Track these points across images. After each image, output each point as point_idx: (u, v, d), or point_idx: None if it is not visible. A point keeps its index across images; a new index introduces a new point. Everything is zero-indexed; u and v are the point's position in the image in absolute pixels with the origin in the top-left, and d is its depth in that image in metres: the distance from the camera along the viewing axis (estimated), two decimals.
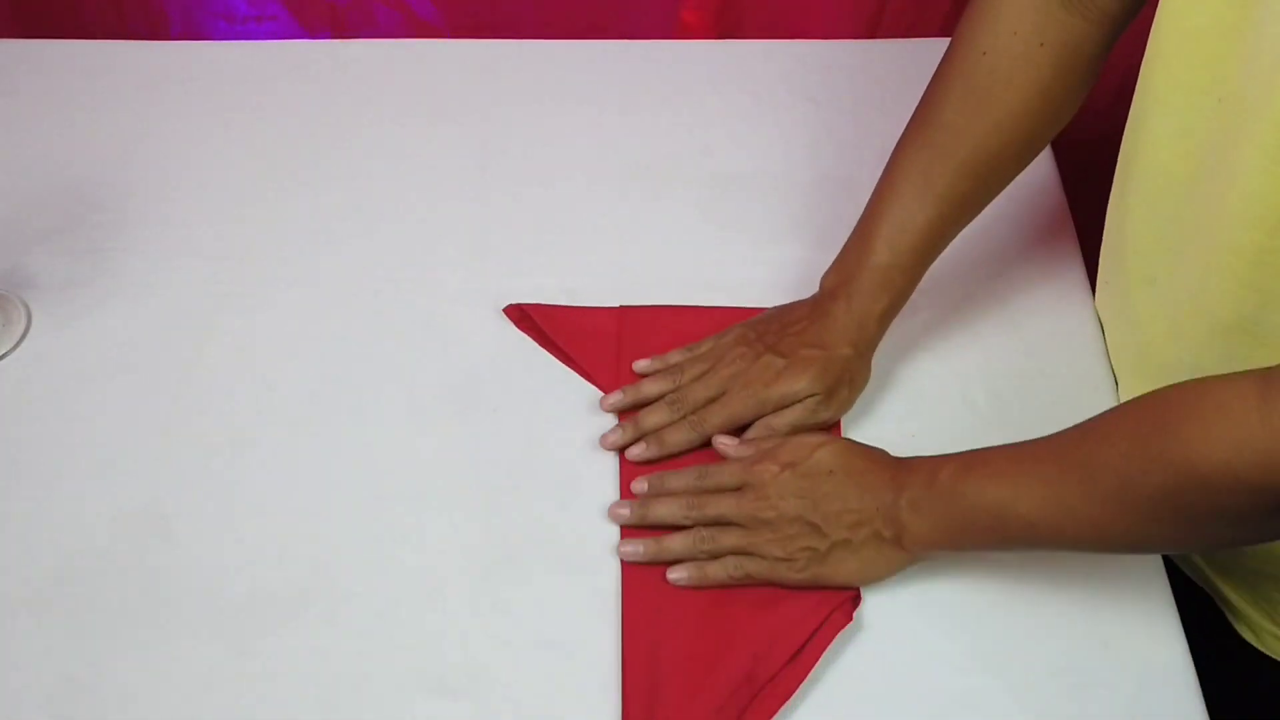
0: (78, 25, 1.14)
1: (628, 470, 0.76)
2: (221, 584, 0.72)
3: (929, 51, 0.92)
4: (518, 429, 0.79)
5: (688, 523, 0.71)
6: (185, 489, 0.76)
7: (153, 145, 0.96)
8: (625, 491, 0.75)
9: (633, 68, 1.01)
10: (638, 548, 0.72)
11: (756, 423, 0.76)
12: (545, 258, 0.88)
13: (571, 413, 0.80)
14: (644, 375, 0.80)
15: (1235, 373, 0.55)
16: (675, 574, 0.71)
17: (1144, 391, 0.61)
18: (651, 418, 0.77)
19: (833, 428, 0.77)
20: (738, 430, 0.76)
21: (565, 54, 1.03)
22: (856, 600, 0.70)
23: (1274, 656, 0.76)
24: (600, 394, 0.80)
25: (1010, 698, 0.67)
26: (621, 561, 0.72)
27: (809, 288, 0.80)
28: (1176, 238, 0.68)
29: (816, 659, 0.68)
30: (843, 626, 0.69)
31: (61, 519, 0.75)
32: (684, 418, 0.76)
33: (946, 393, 0.80)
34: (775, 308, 0.81)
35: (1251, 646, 0.77)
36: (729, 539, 0.70)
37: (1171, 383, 0.59)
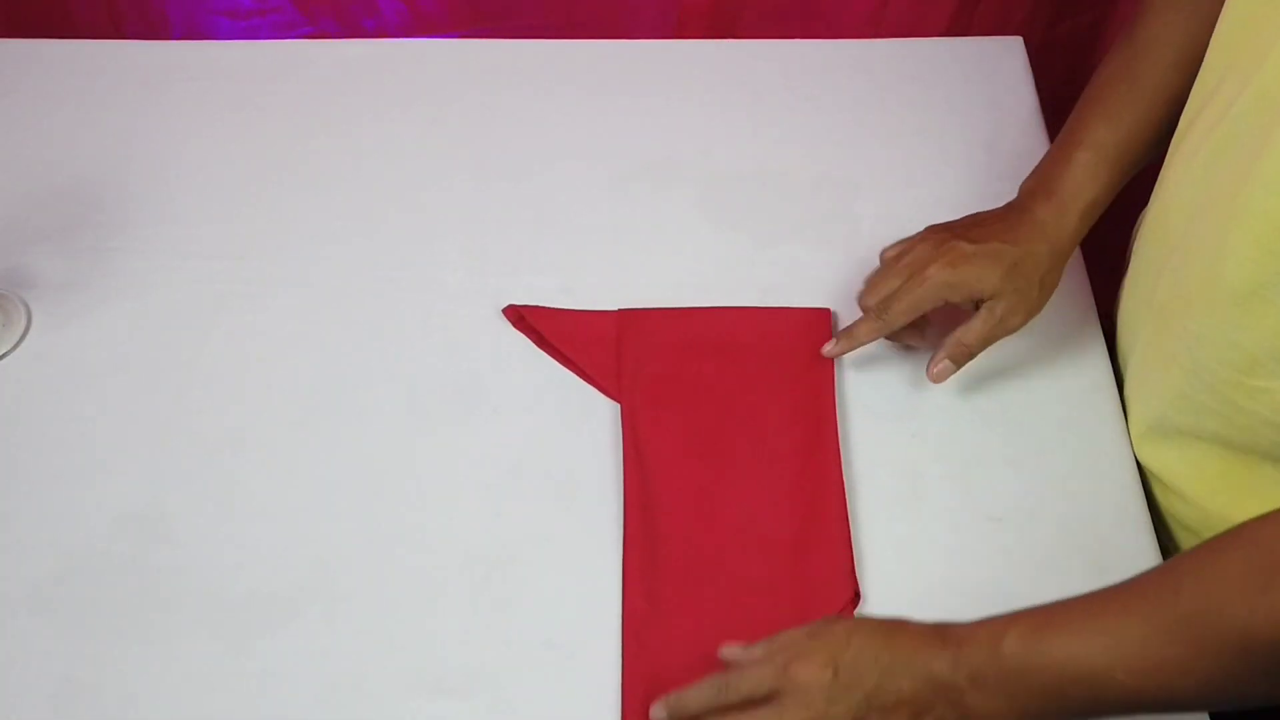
0: (78, 24, 1.14)
1: (628, 469, 0.76)
2: (221, 584, 0.72)
3: (929, 51, 0.93)
4: (518, 429, 0.79)
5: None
6: (185, 488, 0.76)
7: (152, 145, 0.95)
8: (626, 491, 0.75)
9: (633, 68, 1.01)
10: None
11: (947, 342, 0.74)
12: (545, 257, 0.88)
13: (571, 413, 0.80)
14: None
15: None
16: None
17: (1159, 363, 0.58)
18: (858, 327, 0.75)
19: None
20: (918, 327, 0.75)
21: (565, 54, 1.03)
22: (856, 601, 0.70)
23: None
24: (599, 394, 0.80)
25: None
26: (621, 561, 0.72)
27: (809, 287, 0.80)
28: (1203, 204, 0.66)
29: None
30: None
31: (61, 518, 0.75)
32: (873, 312, 0.74)
33: (946, 393, 0.80)
34: (970, 215, 0.77)
35: None
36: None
37: (1179, 350, 0.56)
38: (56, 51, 1.02)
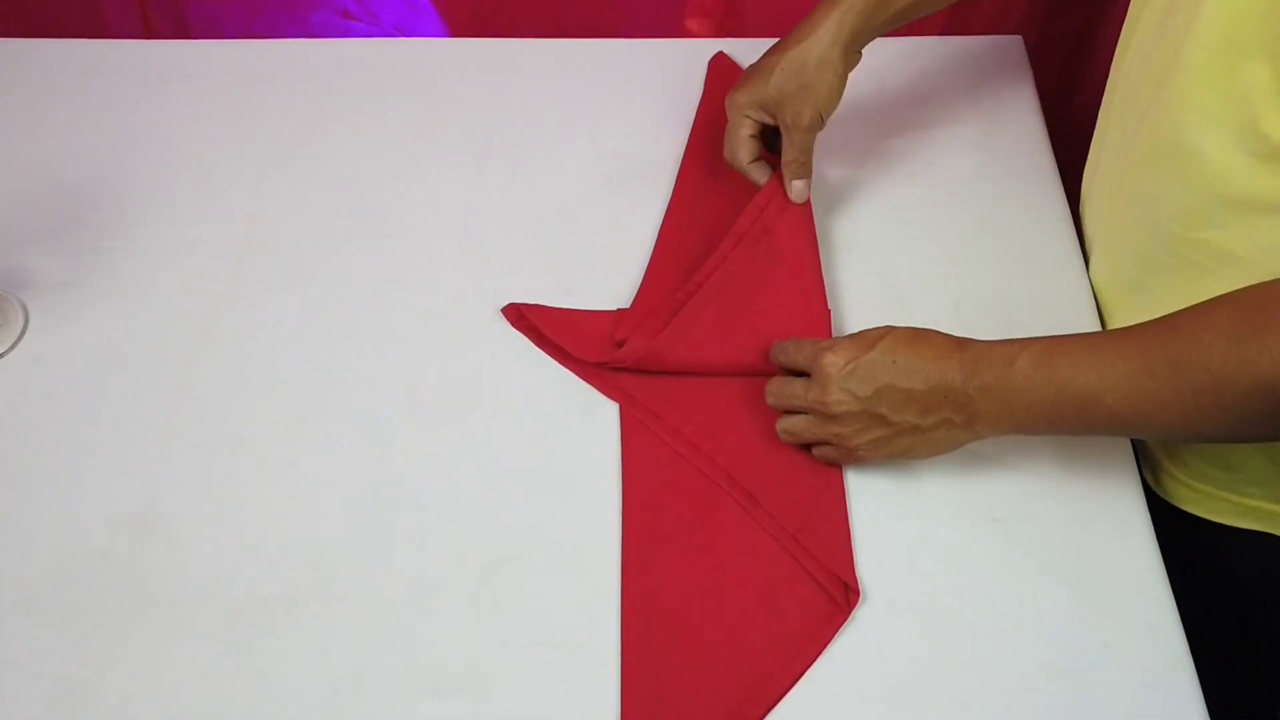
0: (79, 24, 1.13)
1: (628, 469, 0.76)
2: (220, 584, 0.72)
3: (929, 50, 0.93)
4: (518, 429, 0.79)
5: (777, 409, 0.76)
6: (183, 488, 0.76)
7: (150, 144, 0.95)
8: (626, 491, 0.75)
9: (633, 68, 1.01)
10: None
11: (785, 167, 0.82)
12: (544, 257, 0.88)
13: (571, 413, 0.80)
14: None
15: None
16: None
17: (1124, 309, 0.65)
18: None
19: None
20: None
21: (565, 54, 1.03)
22: (854, 599, 0.70)
23: (1169, 500, 0.79)
24: (599, 394, 0.80)
25: (1010, 698, 0.67)
26: (621, 561, 0.72)
27: None
28: (1139, 151, 0.72)
29: (815, 657, 0.69)
30: (841, 625, 0.69)
31: (59, 518, 0.75)
32: None
33: None
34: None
35: (1156, 496, 0.79)
36: (807, 431, 0.74)
37: (1139, 213, 0.63)
38: (55, 51, 1.02)
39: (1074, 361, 0.66)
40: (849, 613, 0.70)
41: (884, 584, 0.71)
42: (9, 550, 0.74)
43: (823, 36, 0.80)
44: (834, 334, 0.81)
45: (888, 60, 1.01)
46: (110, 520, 0.75)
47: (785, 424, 0.75)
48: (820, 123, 0.82)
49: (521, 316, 0.84)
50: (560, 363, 0.82)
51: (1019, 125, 0.96)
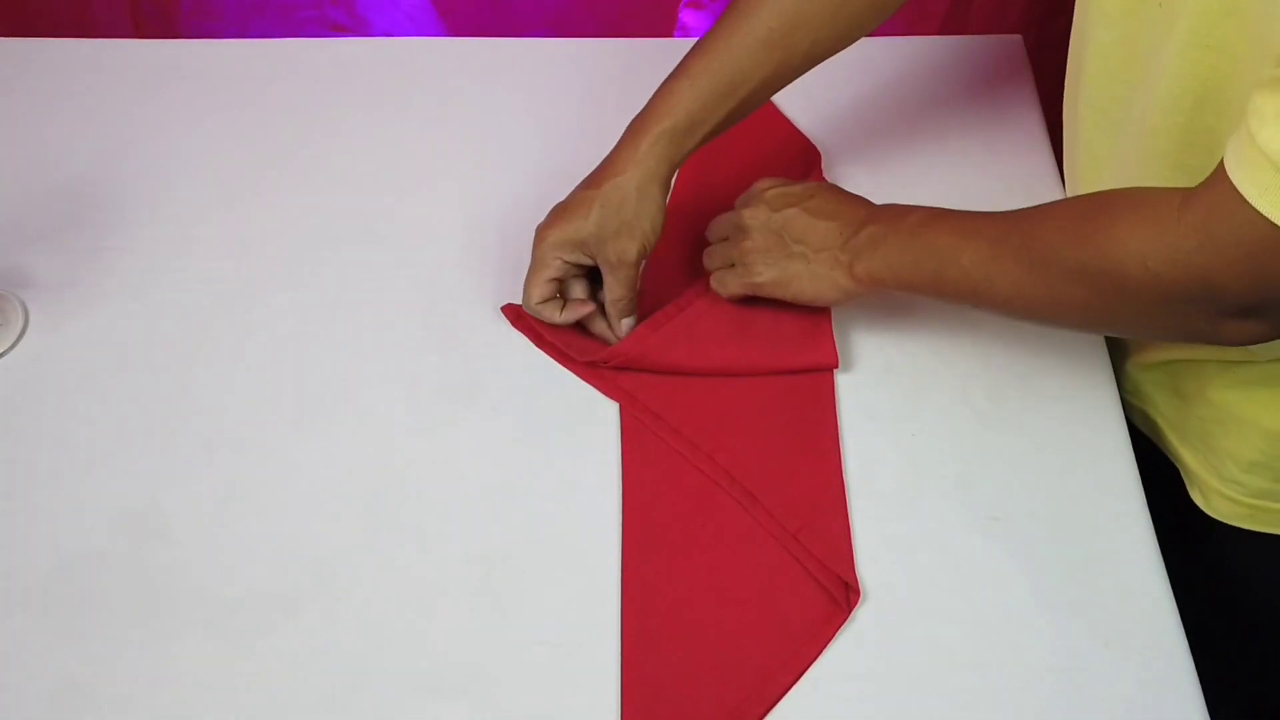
0: (77, 22, 1.13)
1: (628, 469, 0.76)
2: (220, 583, 0.72)
3: (929, 50, 0.93)
4: (517, 428, 0.79)
5: (708, 265, 0.82)
6: (183, 488, 0.76)
7: (150, 144, 0.95)
8: (625, 491, 0.75)
9: (633, 68, 1.01)
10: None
11: (607, 309, 0.80)
12: None
13: (571, 413, 0.80)
14: None
15: (1167, 187, 0.61)
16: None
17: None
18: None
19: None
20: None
21: (565, 54, 1.03)
22: (855, 599, 0.70)
23: (1220, 520, 0.79)
24: (599, 394, 0.80)
25: (1010, 697, 0.67)
26: (621, 561, 0.72)
27: None
28: (1117, 133, 0.73)
29: (814, 657, 0.69)
30: (841, 624, 0.69)
31: (59, 518, 0.75)
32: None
33: (947, 392, 0.80)
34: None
35: (1204, 514, 0.80)
36: (720, 254, 0.80)
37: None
38: (54, 51, 1.02)
39: (951, 225, 0.71)
40: (849, 612, 0.70)
41: (884, 584, 0.71)
42: (9, 550, 0.74)
43: (638, 171, 0.76)
44: (834, 332, 0.81)
45: (887, 60, 1.01)
46: (110, 520, 0.75)
47: (707, 260, 0.81)
48: (645, 256, 0.78)
49: (521, 316, 0.84)
50: (560, 362, 0.82)
51: (1019, 125, 0.96)
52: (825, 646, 0.69)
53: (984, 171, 0.93)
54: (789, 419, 0.78)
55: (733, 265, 0.79)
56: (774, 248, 0.77)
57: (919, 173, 0.93)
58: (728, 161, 0.90)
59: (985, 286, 0.69)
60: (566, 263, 0.78)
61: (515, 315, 0.84)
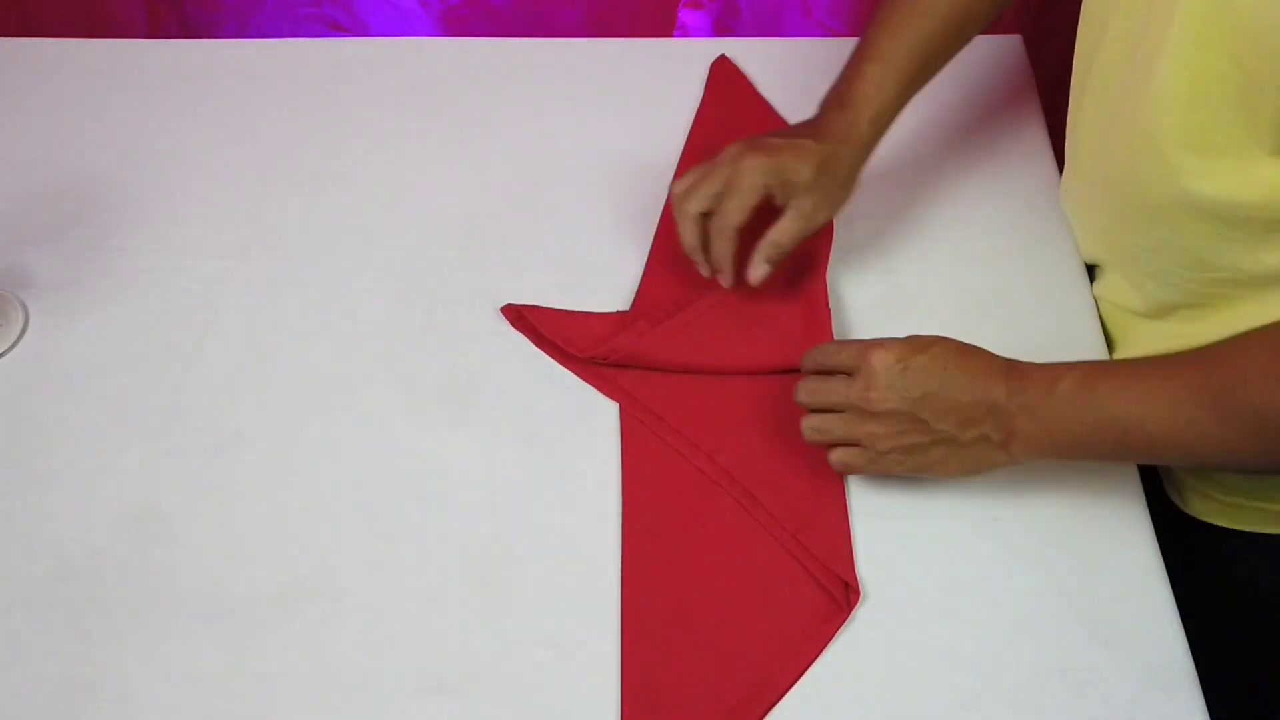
0: (79, 21, 1.13)
1: (628, 468, 0.76)
2: (220, 583, 0.72)
3: None
4: (518, 429, 0.79)
5: (807, 406, 0.73)
6: (183, 488, 0.76)
7: (150, 144, 0.95)
8: (625, 491, 0.75)
9: (633, 68, 1.01)
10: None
11: (762, 244, 0.77)
12: (544, 257, 0.88)
13: (571, 413, 0.80)
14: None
15: None
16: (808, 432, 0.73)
17: (1118, 277, 0.70)
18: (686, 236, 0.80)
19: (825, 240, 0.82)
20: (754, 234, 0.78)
21: (565, 54, 1.03)
22: (855, 599, 0.70)
23: (1197, 518, 0.79)
24: (598, 394, 0.80)
25: (1010, 697, 0.67)
26: (621, 561, 0.72)
27: None
28: (1114, 130, 0.73)
29: (815, 657, 0.69)
30: (841, 624, 0.69)
31: (59, 518, 0.75)
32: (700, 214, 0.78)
33: None
34: None
35: (1183, 512, 0.80)
36: (838, 429, 0.71)
37: (1135, 266, 0.67)
38: (55, 51, 1.02)
39: (1116, 387, 0.66)
40: (849, 612, 0.70)
41: (884, 584, 0.71)
42: (9, 549, 0.74)
43: (856, 148, 0.79)
44: (835, 334, 0.81)
45: None
46: (110, 519, 0.75)
47: (815, 421, 0.72)
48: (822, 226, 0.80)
49: (520, 317, 0.84)
50: (560, 363, 0.82)
51: (1019, 125, 0.96)
52: (825, 646, 0.69)
53: (984, 171, 0.93)
54: (789, 419, 0.78)
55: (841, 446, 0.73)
56: (911, 430, 0.69)
57: (919, 173, 0.93)
58: None
59: (1181, 453, 0.66)
60: (760, 192, 0.77)
61: (515, 315, 0.84)
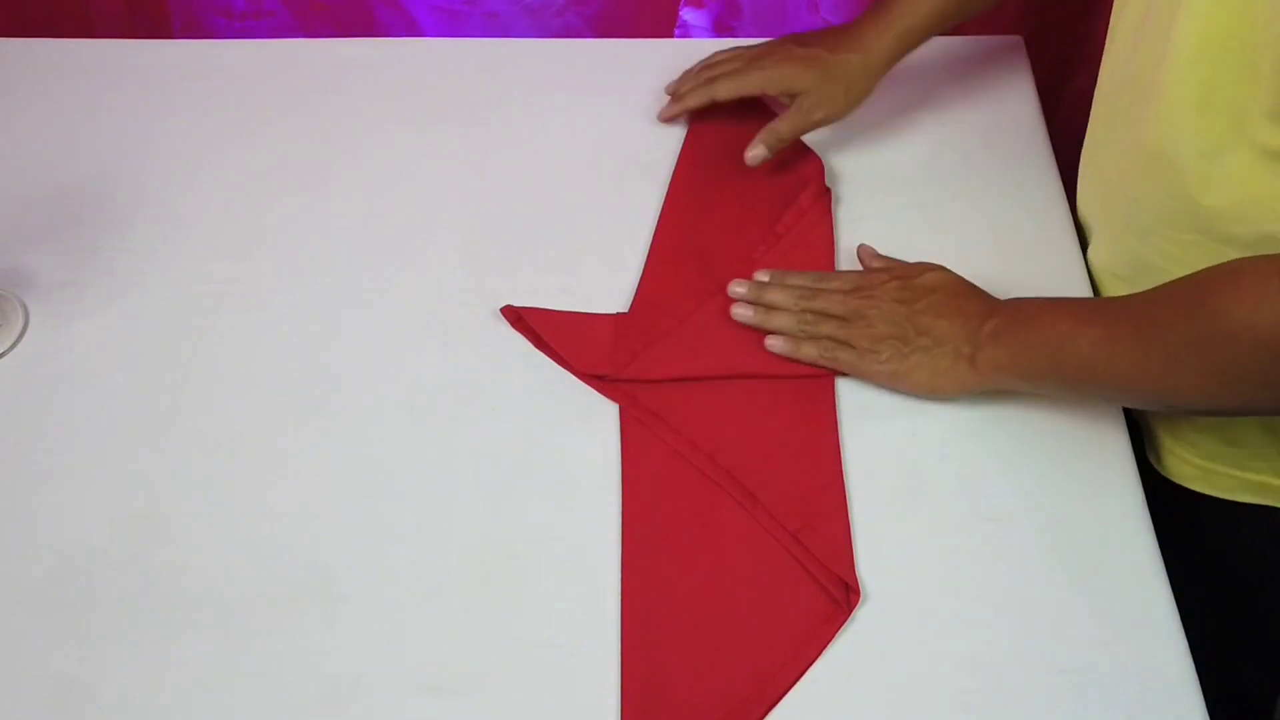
0: (80, 20, 1.13)
1: (628, 469, 0.76)
2: (219, 584, 0.72)
3: (929, 50, 0.92)
4: (517, 429, 0.79)
5: (795, 309, 0.79)
6: (183, 489, 0.76)
7: (150, 144, 0.95)
8: (625, 491, 0.75)
9: (633, 68, 1.01)
10: (748, 311, 0.80)
11: (763, 131, 0.87)
12: (544, 257, 0.88)
13: (571, 413, 0.80)
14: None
15: (1266, 254, 0.61)
16: (772, 341, 0.79)
17: (1113, 238, 0.74)
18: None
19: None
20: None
21: (565, 54, 1.03)
22: (855, 599, 0.70)
23: (1172, 479, 0.81)
24: (598, 394, 0.80)
25: (1010, 698, 0.67)
26: (621, 561, 0.72)
27: None
28: (1132, 97, 0.74)
29: (815, 657, 0.69)
30: (841, 624, 0.69)
31: (59, 518, 0.75)
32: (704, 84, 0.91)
33: None
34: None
35: (1161, 477, 0.82)
36: (828, 327, 0.78)
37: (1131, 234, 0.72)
38: (54, 51, 1.02)
39: (1066, 311, 0.72)
40: (849, 612, 0.70)
41: (884, 584, 0.71)
42: (9, 550, 0.74)
43: (867, 57, 0.86)
44: None
45: None
46: (110, 520, 0.75)
47: (813, 303, 0.78)
48: (825, 125, 0.88)
49: (520, 318, 0.84)
50: (559, 364, 0.82)
51: (1019, 125, 0.96)
52: (825, 646, 0.69)
53: (984, 172, 0.93)
54: (789, 419, 0.78)
55: (829, 340, 0.79)
56: (898, 338, 0.76)
57: (919, 174, 0.93)
58: (728, 171, 0.90)
59: (1103, 369, 0.69)
60: (756, 91, 0.89)
61: (515, 316, 0.84)
